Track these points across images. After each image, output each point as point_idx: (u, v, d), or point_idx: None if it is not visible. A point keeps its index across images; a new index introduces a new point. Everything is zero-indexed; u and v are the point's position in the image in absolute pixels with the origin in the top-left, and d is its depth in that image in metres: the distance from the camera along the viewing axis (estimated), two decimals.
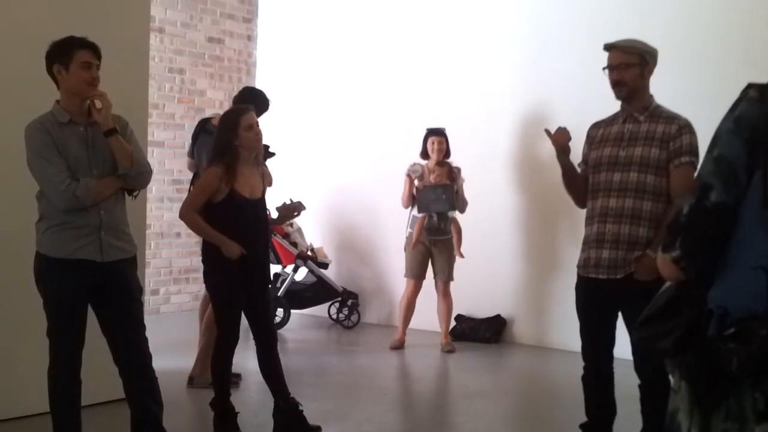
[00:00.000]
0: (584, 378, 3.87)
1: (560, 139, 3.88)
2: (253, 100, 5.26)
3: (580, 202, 3.93)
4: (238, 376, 5.26)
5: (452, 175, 6.60)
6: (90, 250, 3.47)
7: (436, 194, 6.52)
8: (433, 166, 6.62)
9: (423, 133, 6.74)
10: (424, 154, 6.69)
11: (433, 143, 6.62)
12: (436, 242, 6.62)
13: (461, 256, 6.62)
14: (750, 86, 1.89)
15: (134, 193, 3.73)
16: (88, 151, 3.49)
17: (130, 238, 3.68)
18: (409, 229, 6.71)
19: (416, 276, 6.70)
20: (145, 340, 3.67)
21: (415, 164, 6.67)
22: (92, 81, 3.48)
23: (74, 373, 3.53)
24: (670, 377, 2.14)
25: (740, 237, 1.85)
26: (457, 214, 6.68)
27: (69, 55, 3.44)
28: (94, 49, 3.50)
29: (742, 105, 1.87)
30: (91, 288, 3.52)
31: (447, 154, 6.68)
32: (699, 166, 1.92)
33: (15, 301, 4.35)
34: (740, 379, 1.82)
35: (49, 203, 3.47)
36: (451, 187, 6.52)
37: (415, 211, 6.64)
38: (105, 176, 3.51)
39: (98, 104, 3.50)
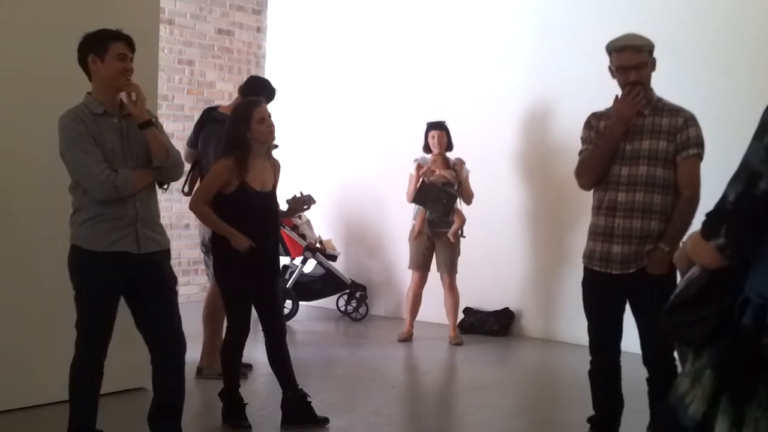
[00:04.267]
0: (591, 372, 3.87)
1: (625, 110, 3.60)
2: (259, 90, 5.28)
3: (589, 186, 3.77)
4: (249, 366, 5.28)
5: (453, 168, 6.59)
6: (127, 242, 3.46)
7: (439, 196, 6.52)
8: (435, 159, 6.63)
9: None
10: (426, 148, 6.70)
11: (433, 137, 6.63)
12: (439, 234, 6.62)
13: (453, 240, 6.57)
14: None
15: (164, 186, 3.73)
16: (123, 142, 3.48)
17: (164, 231, 3.67)
18: (413, 221, 6.71)
19: (420, 268, 6.70)
20: (180, 329, 3.65)
21: (421, 156, 6.68)
22: (127, 72, 3.47)
23: (99, 366, 3.52)
24: (680, 364, 2.14)
25: None
26: (463, 206, 6.67)
27: (104, 47, 3.43)
28: (128, 42, 3.50)
29: None
30: (126, 280, 3.50)
31: (449, 147, 6.68)
32: (746, 153, 1.88)
33: (25, 292, 4.39)
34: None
35: (84, 196, 3.44)
36: (454, 198, 6.52)
37: (429, 210, 6.64)
38: (139, 168, 3.50)
39: (133, 96, 3.49)
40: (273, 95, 5.42)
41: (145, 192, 3.55)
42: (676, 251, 2.18)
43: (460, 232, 6.61)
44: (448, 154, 6.70)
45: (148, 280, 3.55)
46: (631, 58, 3.60)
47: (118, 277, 3.49)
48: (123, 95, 3.52)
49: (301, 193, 4.77)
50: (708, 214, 1.97)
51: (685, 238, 2.09)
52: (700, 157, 3.59)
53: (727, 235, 1.89)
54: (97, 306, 3.48)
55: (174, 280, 3.69)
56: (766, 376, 1.83)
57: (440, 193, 6.52)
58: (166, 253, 3.66)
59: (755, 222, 1.86)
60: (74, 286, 3.51)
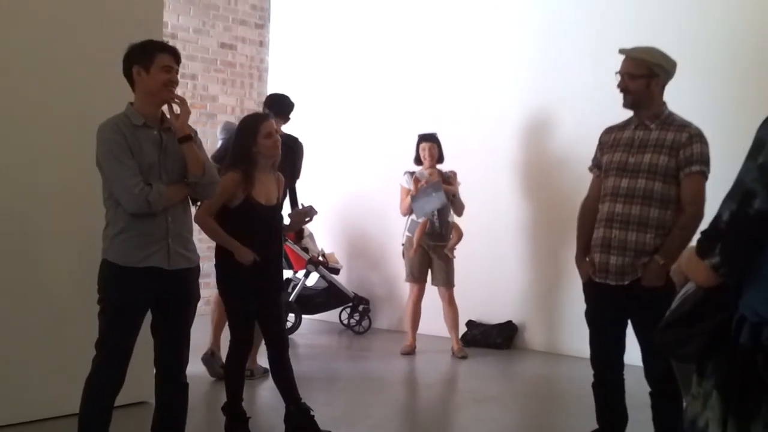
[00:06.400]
0: (594, 386, 3.87)
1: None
2: (280, 106, 5.63)
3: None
4: (267, 371, 5.28)
5: (447, 180, 6.61)
6: (158, 257, 3.40)
7: (427, 194, 6.54)
8: (432, 173, 6.64)
9: None
10: (417, 160, 6.72)
11: (424, 149, 6.65)
12: (435, 248, 6.63)
13: (451, 255, 6.60)
14: None
15: (198, 203, 3.68)
16: (160, 155, 3.43)
17: (195, 248, 3.61)
18: (407, 234, 6.71)
19: (417, 280, 6.71)
20: (188, 349, 3.63)
21: (413, 172, 6.68)
22: (172, 84, 3.44)
23: (117, 386, 3.44)
24: (680, 382, 2.13)
25: None
26: (459, 219, 6.68)
27: (150, 58, 3.40)
28: (174, 54, 3.47)
29: None
30: (156, 296, 3.45)
31: (440, 159, 6.70)
32: (740, 172, 1.89)
33: (29, 306, 4.40)
34: None
35: (117, 209, 3.39)
36: (438, 183, 6.53)
37: (413, 216, 6.65)
38: (174, 183, 3.45)
39: (176, 109, 3.46)
40: (292, 108, 5.85)
41: (179, 207, 3.49)
42: (673, 266, 2.19)
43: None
44: (439, 167, 6.72)
45: (174, 296, 3.49)
46: (624, 66, 3.70)
47: (149, 294, 3.44)
48: (165, 108, 3.49)
49: (302, 204, 4.78)
50: (703, 233, 1.98)
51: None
52: (703, 174, 3.59)
53: (721, 254, 1.89)
54: (124, 323, 3.41)
55: (197, 298, 3.65)
56: (766, 393, 1.83)
57: (426, 191, 6.54)
58: (196, 270, 3.60)
59: (749, 241, 1.87)
60: (101, 301, 3.43)
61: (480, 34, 7.40)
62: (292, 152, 5.64)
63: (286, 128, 5.86)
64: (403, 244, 6.78)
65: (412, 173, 6.70)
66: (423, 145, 6.68)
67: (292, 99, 6.07)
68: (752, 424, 1.86)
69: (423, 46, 7.76)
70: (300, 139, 5.92)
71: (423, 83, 7.73)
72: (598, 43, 6.31)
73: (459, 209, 6.68)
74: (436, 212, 6.54)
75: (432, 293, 6.74)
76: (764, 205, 1.83)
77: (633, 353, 3.73)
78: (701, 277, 1.96)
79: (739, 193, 1.87)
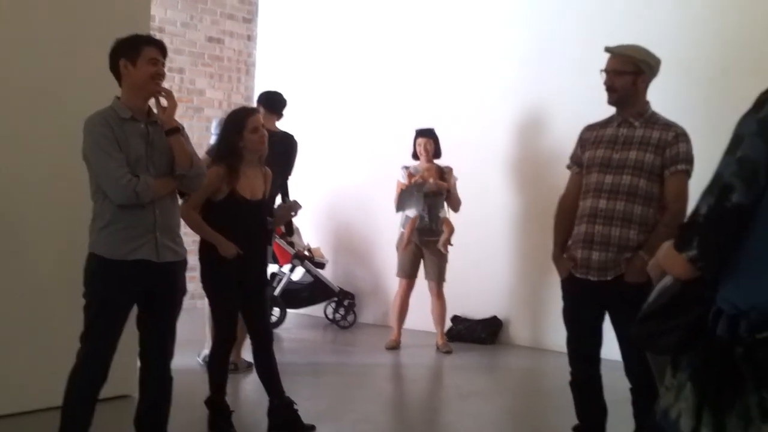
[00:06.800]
0: (572, 384, 3.88)
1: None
2: (273, 103, 5.75)
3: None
4: (251, 365, 5.28)
5: (442, 176, 6.62)
6: (146, 250, 3.40)
7: (411, 193, 6.56)
8: (424, 167, 6.66)
9: None
10: (415, 156, 6.73)
11: (420, 144, 6.66)
12: (427, 243, 6.64)
13: (444, 250, 6.62)
14: None
15: (185, 196, 3.69)
16: (147, 148, 3.44)
17: (182, 241, 3.62)
18: (401, 228, 6.73)
19: (408, 275, 6.72)
20: (173, 343, 3.63)
21: (409, 167, 6.70)
22: (159, 76, 3.45)
23: (101, 380, 3.44)
24: (655, 374, 2.16)
25: (758, 239, 1.86)
26: (450, 214, 6.70)
27: (137, 51, 3.41)
28: (161, 47, 3.48)
29: (767, 107, 1.86)
30: (144, 290, 3.45)
31: (437, 154, 6.71)
32: (718, 166, 1.91)
33: (12, 298, 4.39)
34: (745, 379, 1.83)
35: (104, 202, 3.39)
36: (423, 184, 6.54)
37: (408, 212, 6.67)
38: (161, 176, 3.45)
39: (163, 102, 3.46)
40: (285, 105, 5.91)
41: (166, 200, 3.50)
42: (651, 261, 2.21)
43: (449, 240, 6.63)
44: (436, 162, 6.74)
45: (161, 290, 3.50)
46: (610, 63, 3.72)
47: (136, 288, 3.44)
48: (152, 101, 3.49)
49: (286, 199, 4.79)
50: (680, 226, 2.00)
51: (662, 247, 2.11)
52: (688, 173, 3.62)
53: (699, 248, 1.91)
54: (109, 316, 3.41)
55: (183, 292, 3.65)
56: (743, 386, 1.85)
57: (412, 191, 6.55)
58: (183, 263, 3.61)
59: (727, 235, 1.89)
60: (86, 295, 3.43)
61: (470, 31, 7.41)
62: (287, 148, 5.66)
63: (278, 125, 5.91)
64: (399, 238, 6.78)
65: (408, 168, 6.71)
66: (420, 140, 6.69)
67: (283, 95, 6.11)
68: (727, 416, 1.88)
69: (412, 42, 7.77)
70: (295, 136, 5.94)
71: (412, 79, 7.73)
72: (589, 41, 6.32)
73: (455, 205, 6.68)
74: (426, 207, 6.55)
75: (417, 288, 6.76)
76: (742, 198, 1.85)
77: (609, 348, 3.75)
78: (679, 270, 1.98)
79: (717, 187, 1.89)
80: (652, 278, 2.18)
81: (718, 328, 1.90)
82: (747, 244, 1.87)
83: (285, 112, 6.09)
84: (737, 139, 1.89)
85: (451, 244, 6.66)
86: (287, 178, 5.88)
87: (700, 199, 1.93)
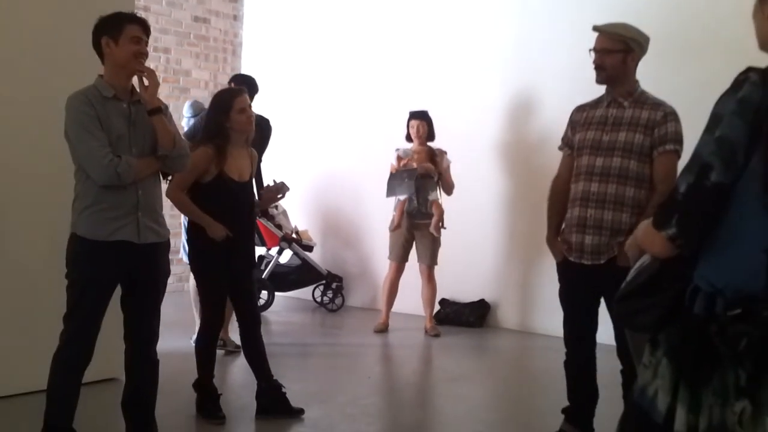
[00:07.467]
0: (566, 363, 3.90)
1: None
2: (249, 87, 5.54)
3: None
4: (239, 347, 5.26)
5: (434, 158, 6.59)
6: (128, 231, 3.37)
7: (401, 178, 6.52)
8: (417, 149, 6.62)
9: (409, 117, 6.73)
10: (408, 138, 6.69)
11: (413, 126, 6.62)
12: (418, 226, 6.61)
13: (437, 234, 6.59)
14: (750, 69, 1.89)
15: (168, 177, 3.65)
16: (130, 128, 3.39)
17: (164, 222, 3.58)
18: (394, 212, 6.70)
19: (398, 259, 6.70)
20: (158, 324, 3.61)
21: (403, 148, 6.67)
22: (141, 55, 3.40)
23: (85, 360, 3.41)
24: (633, 354, 2.16)
25: (735, 218, 1.87)
26: (442, 197, 6.67)
27: (119, 29, 3.35)
28: (143, 25, 3.43)
29: (745, 87, 1.86)
30: (126, 271, 3.42)
31: (430, 136, 6.67)
32: (697, 145, 1.92)
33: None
34: (722, 357, 1.85)
35: (86, 182, 3.35)
36: (414, 170, 6.51)
37: (400, 196, 6.64)
38: (144, 156, 3.41)
39: (146, 81, 3.41)
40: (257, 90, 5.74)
41: (149, 181, 3.46)
42: (628, 240, 2.22)
43: (440, 223, 6.60)
44: (431, 144, 6.69)
45: (144, 271, 3.46)
46: (599, 42, 3.70)
47: (119, 269, 3.40)
48: (135, 80, 3.45)
49: (274, 181, 4.76)
50: (659, 205, 2.01)
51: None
52: (677, 153, 3.60)
53: (678, 226, 1.92)
54: (92, 296, 3.38)
55: (167, 274, 3.62)
56: (719, 363, 1.87)
57: (402, 175, 6.52)
58: (166, 245, 3.57)
59: (705, 213, 1.90)
60: (69, 275, 3.39)
61: (461, 13, 7.36)
62: (262, 132, 5.63)
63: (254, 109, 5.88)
64: (392, 221, 6.74)
65: (398, 150, 6.67)
66: (413, 122, 6.64)
67: (266, 75, 6.08)
68: (703, 393, 1.90)
69: (402, 24, 7.71)
70: (270, 120, 5.91)
71: (401, 61, 7.68)
72: (579, 23, 6.29)
73: (448, 188, 6.64)
74: (414, 190, 6.52)
75: (406, 271, 6.74)
76: (721, 177, 1.86)
77: (605, 332, 3.75)
78: (658, 248, 1.99)
79: (696, 166, 1.90)
80: (629, 258, 2.18)
81: (695, 306, 1.91)
82: (723, 223, 1.89)
83: (272, 92, 6.05)
84: (716, 119, 1.89)
85: (444, 228, 6.63)
86: (260, 162, 5.86)
87: (679, 177, 1.95)
